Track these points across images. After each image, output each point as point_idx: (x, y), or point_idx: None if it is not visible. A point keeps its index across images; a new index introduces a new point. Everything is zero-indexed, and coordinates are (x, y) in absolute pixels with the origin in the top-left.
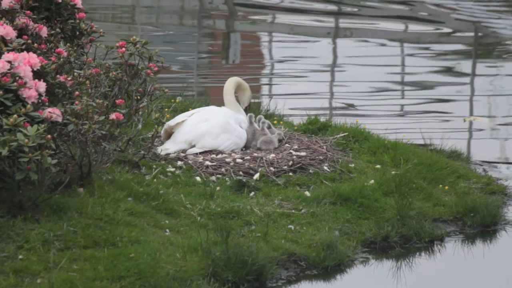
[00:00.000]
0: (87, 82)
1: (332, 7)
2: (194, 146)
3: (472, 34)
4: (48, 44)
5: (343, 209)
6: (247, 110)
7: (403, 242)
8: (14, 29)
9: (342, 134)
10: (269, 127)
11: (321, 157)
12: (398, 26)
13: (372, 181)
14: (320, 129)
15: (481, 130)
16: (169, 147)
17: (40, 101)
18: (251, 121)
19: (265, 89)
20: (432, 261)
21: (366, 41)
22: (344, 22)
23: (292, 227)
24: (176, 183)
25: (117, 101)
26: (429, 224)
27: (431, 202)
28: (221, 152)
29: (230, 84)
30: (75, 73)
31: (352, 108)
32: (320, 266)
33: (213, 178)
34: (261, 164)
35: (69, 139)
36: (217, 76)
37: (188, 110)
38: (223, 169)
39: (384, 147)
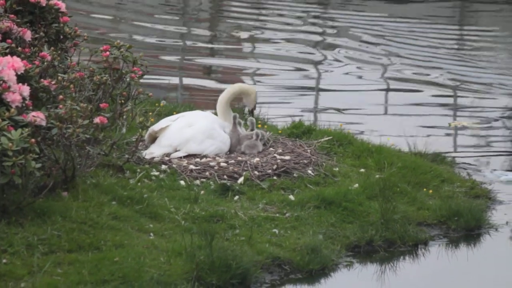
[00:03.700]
0: (71, 86)
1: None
2: (179, 150)
3: None
4: (32, 48)
5: (327, 213)
6: (252, 112)
7: (387, 246)
8: None
9: (326, 138)
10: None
11: (305, 161)
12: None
13: (356, 185)
14: (304, 133)
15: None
16: (154, 151)
17: (24, 105)
18: (234, 122)
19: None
20: (416, 264)
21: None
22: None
23: (277, 231)
24: (160, 187)
25: (101, 105)
26: (413, 228)
27: (415, 206)
28: (205, 156)
29: (230, 90)
30: (59, 77)
31: (337, 112)
32: (305, 270)
33: (197, 182)
34: (246, 168)
35: (53, 143)
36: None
37: (172, 114)
38: (207, 173)
39: (368, 151)
